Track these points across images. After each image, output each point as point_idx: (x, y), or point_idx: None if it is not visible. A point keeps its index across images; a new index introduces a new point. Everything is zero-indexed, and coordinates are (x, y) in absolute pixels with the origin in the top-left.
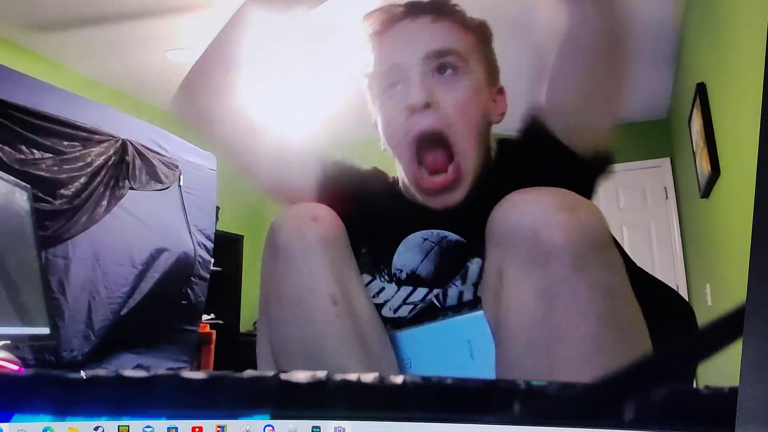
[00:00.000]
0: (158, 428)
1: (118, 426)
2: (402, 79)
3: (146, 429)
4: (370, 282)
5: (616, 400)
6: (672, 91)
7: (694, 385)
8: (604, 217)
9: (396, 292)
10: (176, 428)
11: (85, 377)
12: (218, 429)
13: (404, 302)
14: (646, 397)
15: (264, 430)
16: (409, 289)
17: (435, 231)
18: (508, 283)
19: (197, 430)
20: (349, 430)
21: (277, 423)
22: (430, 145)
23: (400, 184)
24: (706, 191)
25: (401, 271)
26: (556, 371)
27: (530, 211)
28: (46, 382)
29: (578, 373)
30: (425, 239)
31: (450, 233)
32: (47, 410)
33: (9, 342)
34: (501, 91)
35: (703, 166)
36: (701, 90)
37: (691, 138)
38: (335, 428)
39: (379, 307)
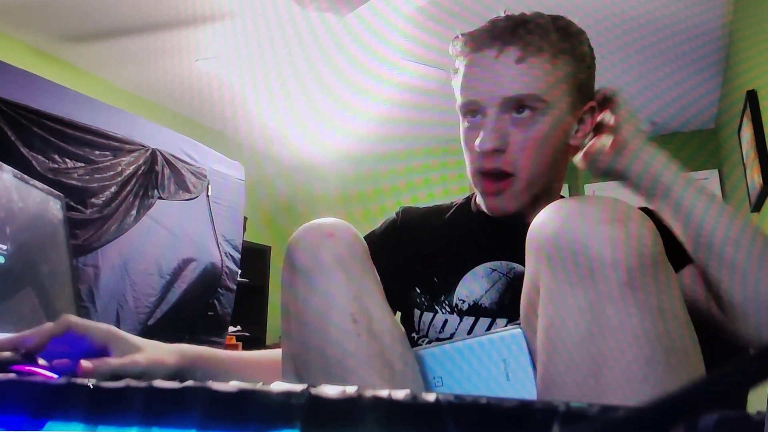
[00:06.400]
0: None
1: None
2: (479, 112)
3: None
4: (432, 318)
5: (662, 425)
6: (720, 99)
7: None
8: (657, 231)
9: (459, 324)
10: None
11: (118, 386)
12: None
13: (469, 335)
14: (695, 422)
15: None
16: (472, 320)
17: (504, 262)
18: (549, 299)
19: None
20: None
21: None
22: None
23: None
24: (758, 205)
25: (463, 301)
26: (602, 396)
27: (574, 223)
28: (79, 391)
29: (626, 399)
30: (493, 270)
31: (518, 264)
32: (80, 419)
33: None
34: (592, 109)
35: (754, 178)
36: (752, 98)
37: (741, 149)
38: None
39: (447, 340)
